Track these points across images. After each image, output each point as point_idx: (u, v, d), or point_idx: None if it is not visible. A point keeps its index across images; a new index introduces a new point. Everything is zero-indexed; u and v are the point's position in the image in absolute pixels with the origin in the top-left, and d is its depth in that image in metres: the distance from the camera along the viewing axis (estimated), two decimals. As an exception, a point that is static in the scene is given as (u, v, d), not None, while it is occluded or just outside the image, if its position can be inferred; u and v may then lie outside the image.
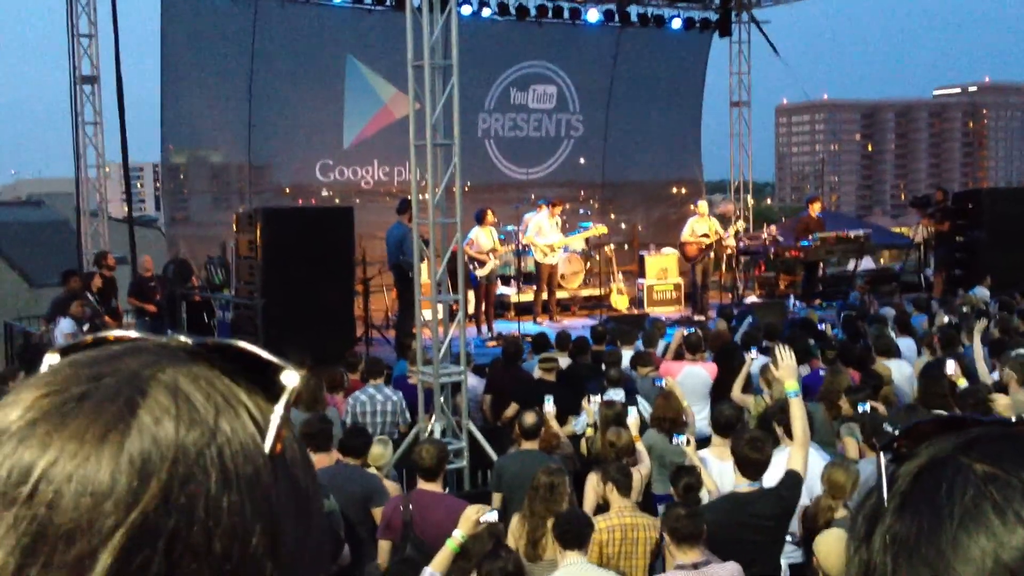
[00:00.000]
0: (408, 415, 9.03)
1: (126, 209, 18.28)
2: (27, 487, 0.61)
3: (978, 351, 9.17)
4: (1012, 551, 0.69)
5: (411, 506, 6.13)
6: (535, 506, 5.92)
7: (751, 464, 5.79)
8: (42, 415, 0.64)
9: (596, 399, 8.11)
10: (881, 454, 0.80)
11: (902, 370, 9.52)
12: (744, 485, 5.84)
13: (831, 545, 4.88)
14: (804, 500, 6.30)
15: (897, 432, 0.80)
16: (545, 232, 15.31)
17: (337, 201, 16.38)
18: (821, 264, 17.33)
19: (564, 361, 10.12)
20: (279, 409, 0.68)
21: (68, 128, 16.12)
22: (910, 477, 0.76)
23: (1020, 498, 0.71)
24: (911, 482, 0.76)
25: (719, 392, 9.15)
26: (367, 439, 7.02)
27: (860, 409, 7.57)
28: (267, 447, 0.67)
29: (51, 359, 0.70)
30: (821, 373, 9.31)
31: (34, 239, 23.34)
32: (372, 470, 6.99)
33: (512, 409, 9.17)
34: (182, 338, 0.72)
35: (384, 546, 6.17)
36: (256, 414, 0.68)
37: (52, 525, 0.61)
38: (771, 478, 5.89)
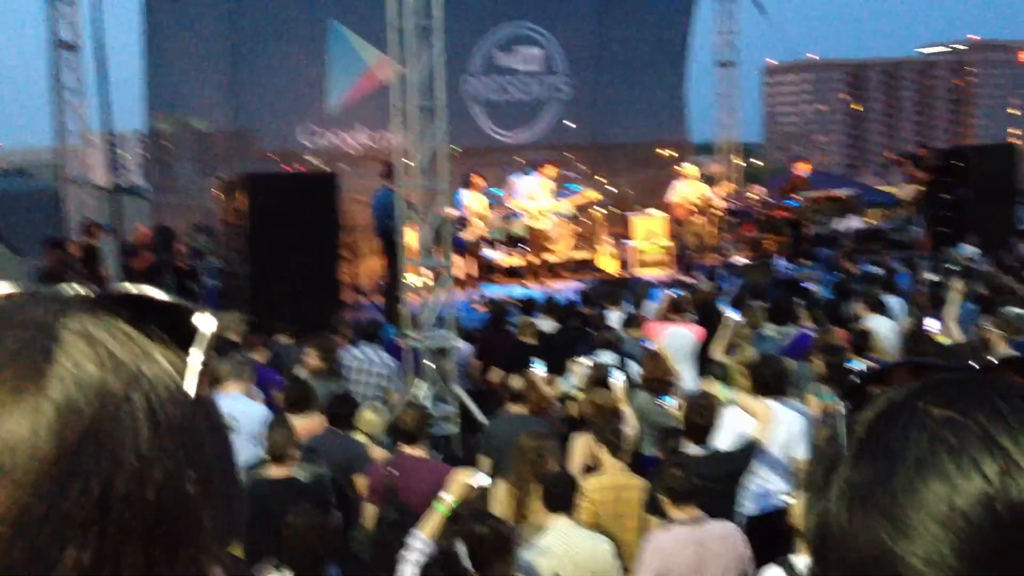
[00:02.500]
0: (399, 380, 9.03)
1: (110, 178, 18.15)
2: None
3: (951, 310, 9.18)
4: (966, 496, 0.68)
5: (394, 470, 6.16)
6: (520, 470, 5.94)
7: (697, 429, 6.05)
8: None
9: (583, 361, 8.13)
10: (841, 402, 0.78)
11: (888, 328, 9.55)
12: (692, 447, 5.99)
13: (799, 504, 4.91)
14: (784, 461, 6.37)
15: (859, 379, 0.79)
16: (535, 196, 15.27)
17: (322, 167, 16.28)
18: (808, 223, 17.34)
19: (552, 324, 10.14)
20: (196, 352, 0.66)
21: (48, 96, 15.96)
22: (866, 424, 0.75)
23: (976, 442, 0.69)
24: (867, 429, 0.74)
25: (706, 353, 9.18)
26: (353, 406, 7.02)
27: (854, 366, 7.58)
28: (190, 391, 0.65)
29: None
30: (807, 334, 9.34)
31: (18, 209, 23.16)
32: (361, 436, 7.00)
33: (497, 373, 9.18)
34: (80, 288, 0.68)
35: (370, 510, 6.20)
36: (173, 359, 0.65)
37: None
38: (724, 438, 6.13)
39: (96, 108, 15.72)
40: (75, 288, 0.68)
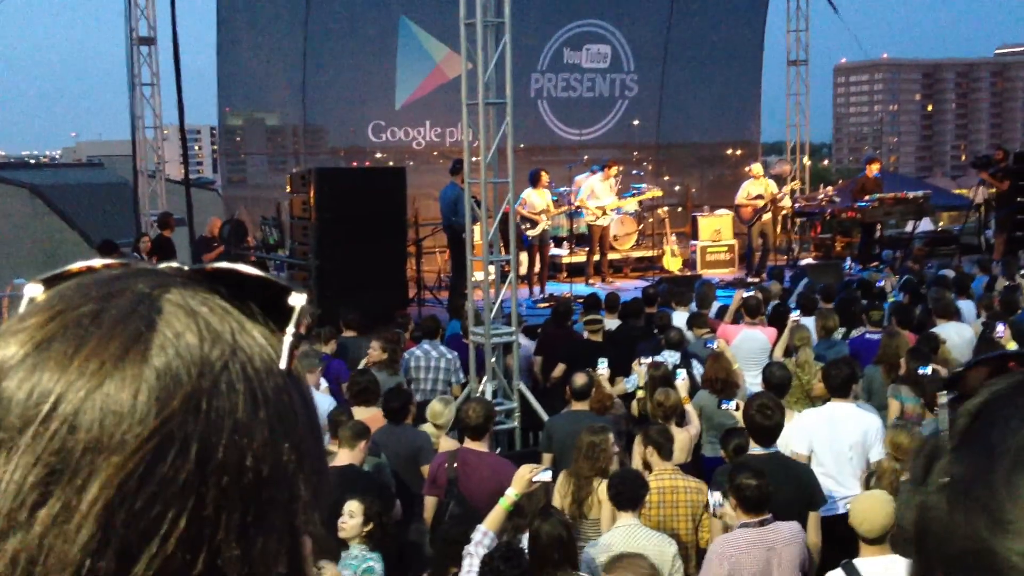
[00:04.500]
0: (461, 374, 9.09)
1: (183, 171, 18.51)
2: (46, 406, 0.59)
3: None
4: None
5: (456, 463, 6.20)
6: (580, 466, 5.95)
7: (760, 430, 5.92)
8: (53, 337, 0.61)
9: (647, 360, 8.10)
10: (943, 395, 0.77)
11: (961, 333, 9.36)
12: (757, 450, 5.92)
13: (870, 508, 4.84)
14: (859, 463, 6.29)
15: (959, 371, 0.78)
16: (598, 194, 15.25)
17: (390, 163, 16.43)
18: (879, 225, 17.06)
19: (615, 323, 10.11)
20: (291, 329, 0.67)
21: (126, 90, 16.32)
22: (968, 417, 0.74)
23: None
24: (968, 422, 0.73)
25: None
26: (407, 399, 7.08)
27: (920, 372, 7.48)
28: (283, 365, 0.67)
29: (33, 289, 0.67)
30: (867, 337, 9.20)
31: (94, 200, 23.73)
32: (428, 427, 7.07)
33: (559, 370, 9.19)
34: (177, 264, 0.70)
35: (429, 502, 6.26)
36: (267, 334, 0.67)
37: (73, 442, 0.59)
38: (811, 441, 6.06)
39: (171, 102, 16.04)
40: (173, 264, 0.70)
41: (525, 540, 5.08)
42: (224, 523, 0.61)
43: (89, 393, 0.59)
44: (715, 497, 5.93)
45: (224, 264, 0.69)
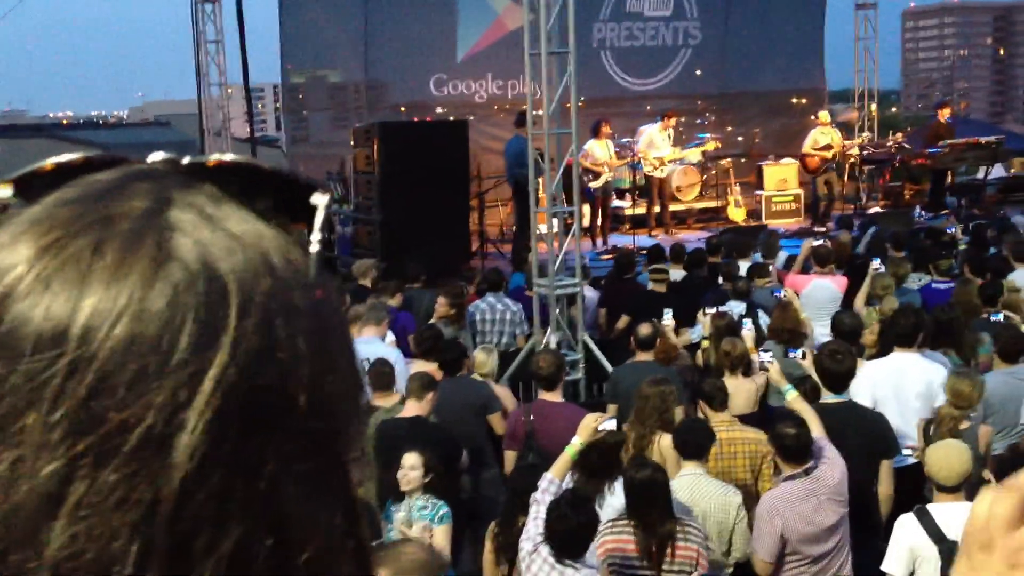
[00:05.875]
0: (527, 326, 9.14)
1: (248, 129, 18.69)
2: (76, 329, 0.50)
3: None
4: None
5: (532, 416, 6.24)
6: (643, 416, 5.97)
7: (831, 376, 5.89)
8: (58, 265, 0.52)
9: (711, 310, 8.07)
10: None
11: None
12: (830, 397, 5.87)
13: (945, 456, 4.80)
14: (924, 412, 6.23)
15: None
16: (657, 145, 15.11)
17: (451, 117, 16.44)
18: (950, 172, 16.68)
19: (679, 273, 10.07)
20: (316, 235, 0.60)
21: (191, 49, 16.51)
22: None
23: None
24: None
25: (847, 305, 8.97)
26: (461, 351, 7.11)
27: (993, 319, 7.36)
28: (314, 276, 0.59)
29: (1, 192, 0.59)
30: (934, 286, 9.06)
31: (162, 159, 24.12)
32: (476, 378, 7.11)
33: (623, 321, 9.19)
34: (172, 157, 0.61)
35: (509, 456, 6.32)
36: (291, 240, 0.59)
37: (116, 371, 0.50)
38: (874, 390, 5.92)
39: (235, 61, 16.20)
40: (168, 158, 0.61)
41: (609, 496, 5.15)
42: (274, 455, 0.53)
43: (121, 311, 0.51)
44: (764, 356, 6.17)
45: (231, 156, 0.61)
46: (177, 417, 0.50)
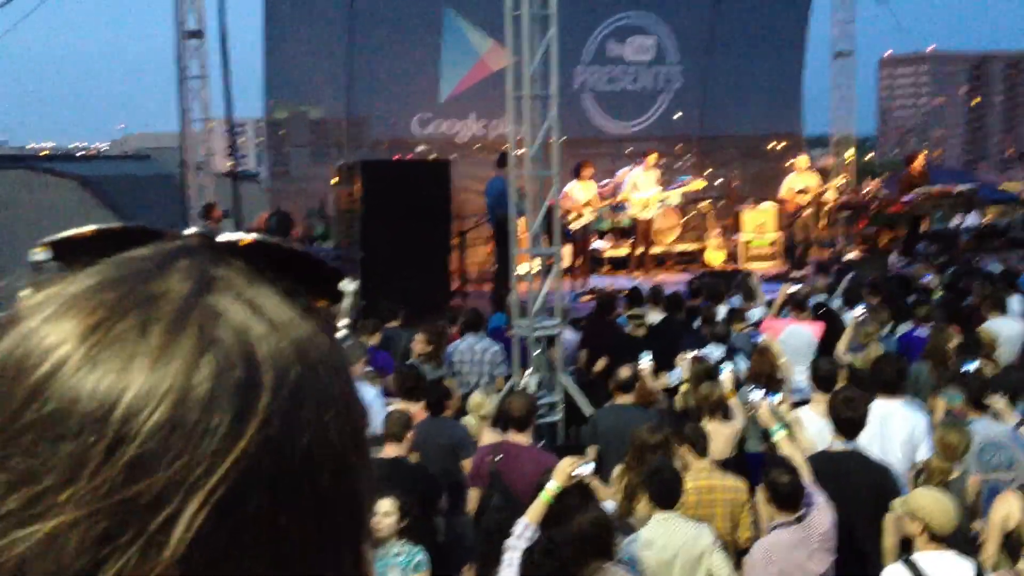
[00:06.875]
0: (506, 367, 9.13)
1: (229, 164, 18.69)
2: (120, 411, 0.52)
3: None
4: None
5: (499, 456, 6.22)
6: (636, 463, 5.90)
7: (846, 423, 5.81)
8: (105, 345, 0.53)
9: (690, 354, 8.09)
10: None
11: (1011, 328, 9.26)
12: (838, 444, 5.85)
13: (938, 506, 4.79)
14: (907, 461, 6.25)
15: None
16: (641, 186, 15.22)
17: (433, 155, 16.50)
18: (925, 219, 16.87)
19: (658, 316, 10.11)
20: (344, 320, 0.62)
21: (174, 83, 16.51)
22: None
23: None
24: None
25: (825, 352, 8.99)
26: (445, 392, 7.10)
27: (965, 368, 7.41)
28: (340, 358, 0.61)
29: (40, 256, 0.61)
30: (916, 333, 9.12)
31: (141, 193, 23.91)
32: (467, 419, 7.11)
33: (602, 363, 9.20)
34: (207, 234, 0.62)
35: (473, 494, 6.31)
36: (319, 323, 0.61)
37: (152, 452, 0.51)
38: (868, 435, 5.89)
39: (218, 95, 16.20)
40: (203, 235, 0.63)
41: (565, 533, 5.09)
42: (299, 535, 0.55)
43: (165, 392, 0.52)
44: (753, 394, 6.10)
45: (262, 237, 0.63)
46: (193, 496, 0.52)
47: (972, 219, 18.80)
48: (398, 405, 6.91)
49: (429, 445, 6.54)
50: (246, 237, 0.62)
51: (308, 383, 0.57)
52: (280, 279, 0.61)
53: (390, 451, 6.02)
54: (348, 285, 0.64)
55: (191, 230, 0.63)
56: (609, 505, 5.27)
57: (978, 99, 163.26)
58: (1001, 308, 9.52)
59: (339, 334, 0.62)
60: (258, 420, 0.54)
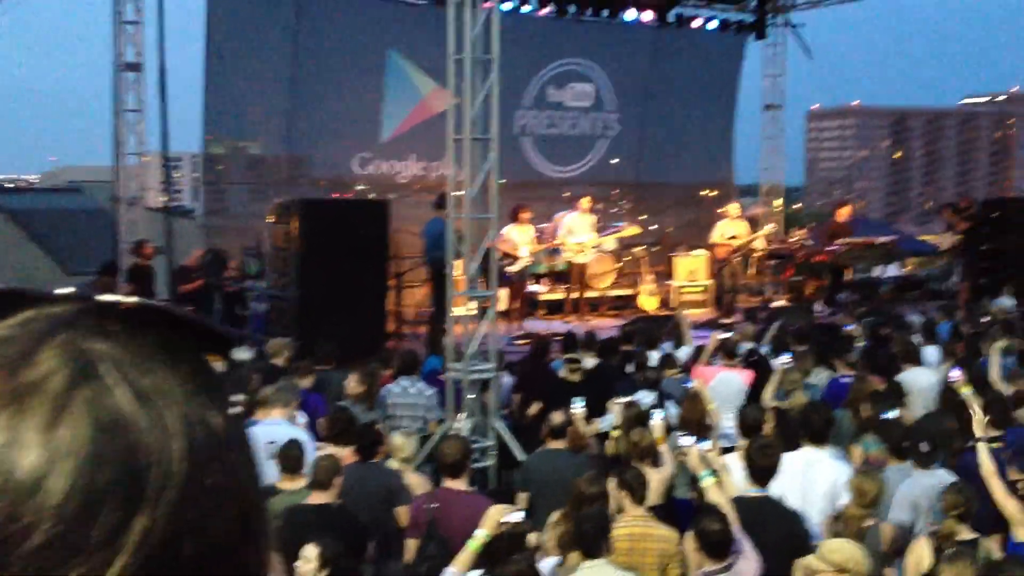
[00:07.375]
0: (440, 411, 9.14)
1: (163, 199, 18.48)
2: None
3: (994, 362, 9.21)
4: None
5: (435, 504, 6.19)
6: (575, 513, 5.88)
7: (761, 470, 5.92)
8: None
9: (622, 400, 8.19)
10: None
11: (927, 378, 9.51)
12: (753, 491, 5.96)
13: (854, 555, 4.92)
14: (827, 511, 6.39)
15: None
16: (576, 231, 15.42)
17: (373, 195, 16.52)
18: (848, 269, 17.32)
19: (592, 361, 10.23)
20: (239, 395, 0.62)
21: (108, 116, 16.33)
22: None
23: None
24: None
25: (754, 399, 9.15)
26: (376, 436, 7.02)
27: (884, 417, 7.62)
28: (229, 434, 0.59)
29: None
30: (842, 380, 9.36)
31: (71, 226, 23.47)
32: (394, 463, 7.04)
33: (536, 407, 9.26)
34: (83, 297, 0.59)
35: (410, 544, 6.22)
36: (208, 391, 0.58)
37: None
38: (780, 485, 6.05)
39: (155, 129, 16.04)
40: (77, 298, 0.59)
41: None
42: None
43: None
44: (684, 440, 6.21)
45: (144, 301, 0.60)
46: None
47: (893, 270, 19.37)
48: (328, 449, 6.85)
49: (359, 491, 6.40)
50: (127, 300, 0.59)
51: (196, 481, 0.54)
52: (166, 345, 0.58)
53: (317, 498, 5.93)
54: (243, 353, 0.62)
55: (66, 291, 0.59)
56: (551, 560, 5.25)
57: (899, 153, 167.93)
58: (915, 359, 9.77)
59: (233, 409, 0.60)
60: (143, 520, 0.52)
